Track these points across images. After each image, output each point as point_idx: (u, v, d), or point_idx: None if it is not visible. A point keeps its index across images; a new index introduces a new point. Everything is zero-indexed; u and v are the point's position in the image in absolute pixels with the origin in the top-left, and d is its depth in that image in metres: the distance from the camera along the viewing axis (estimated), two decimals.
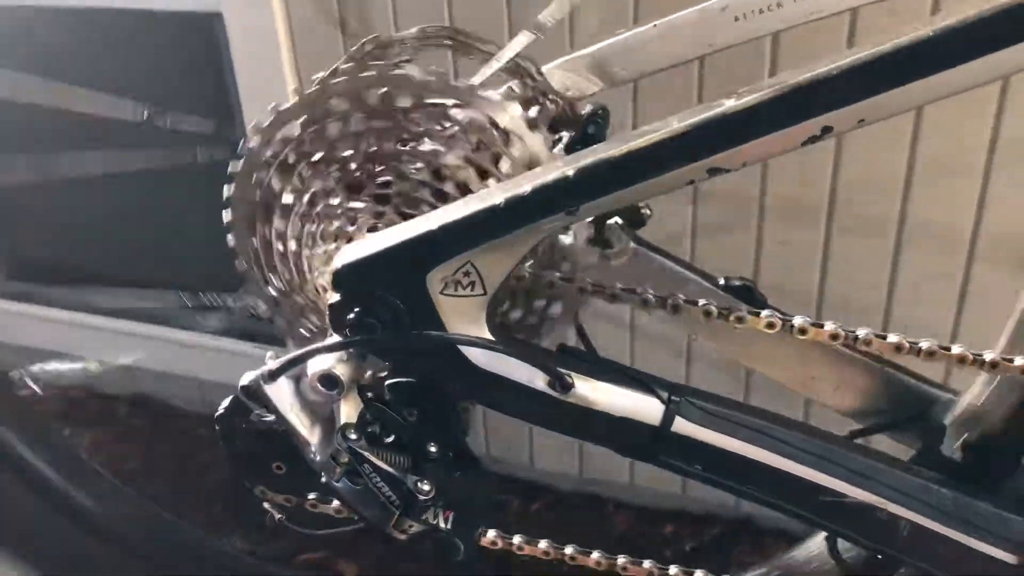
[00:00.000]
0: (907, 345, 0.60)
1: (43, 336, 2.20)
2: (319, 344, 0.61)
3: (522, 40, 0.65)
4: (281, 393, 0.64)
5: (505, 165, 0.65)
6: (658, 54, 0.71)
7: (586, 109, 0.73)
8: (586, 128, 0.72)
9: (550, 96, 0.72)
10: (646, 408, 0.62)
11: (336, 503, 0.71)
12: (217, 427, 0.68)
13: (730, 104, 0.54)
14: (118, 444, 2.01)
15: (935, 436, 0.71)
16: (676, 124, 0.55)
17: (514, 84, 0.71)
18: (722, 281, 0.76)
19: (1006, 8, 0.50)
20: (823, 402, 0.77)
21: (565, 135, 0.71)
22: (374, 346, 0.61)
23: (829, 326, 0.61)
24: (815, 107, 0.53)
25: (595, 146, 0.58)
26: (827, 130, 0.53)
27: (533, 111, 0.72)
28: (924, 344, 0.60)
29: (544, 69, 0.72)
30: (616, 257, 0.76)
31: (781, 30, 0.69)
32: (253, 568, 1.15)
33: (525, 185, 0.57)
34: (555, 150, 0.69)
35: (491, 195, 0.59)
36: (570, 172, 0.56)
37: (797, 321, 0.61)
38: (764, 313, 0.61)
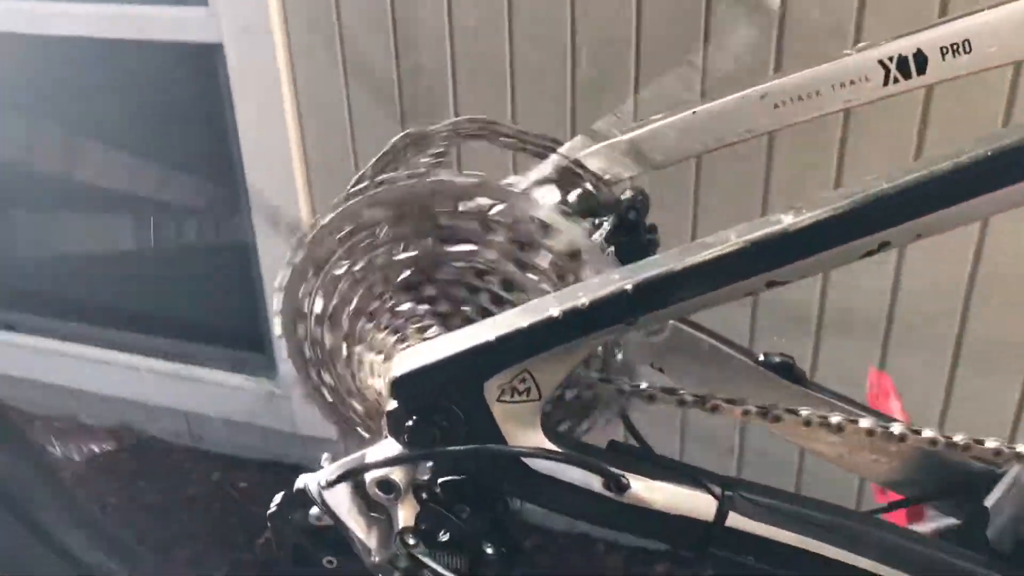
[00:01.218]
0: (973, 444, 0.61)
1: (27, 365, 2.18)
2: (384, 457, 0.62)
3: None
4: (338, 498, 0.64)
5: (545, 258, 0.65)
6: (696, 140, 0.71)
7: (625, 194, 0.73)
8: (626, 213, 0.72)
9: (588, 181, 0.72)
10: (700, 505, 0.63)
11: None
12: (269, 524, 0.68)
13: (789, 220, 0.54)
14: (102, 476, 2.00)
15: (976, 510, 0.72)
16: (734, 238, 0.55)
17: (553, 169, 0.72)
18: (761, 357, 0.76)
19: None
20: (859, 472, 0.78)
21: (605, 221, 0.71)
22: (439, 458, 0.61)
23: (896, 428, 0.62)
24: (875, 224, 0.53)
25: (652, 258, 0.58)
26: (885, 245, 0.54)
27: (572, 195, 0.72)
28: (990, 444, 0.61)
29: (582, 154, 0.73)
30: (655, 335, 0.76)
31: (818, 116, 0.69)
32: None
33: (583, 297, 0.58)
34: (595, 237, 0.69)
35: (547, 306, 0.59)
36: (629, 287, 0.57)
37: (864, 424, 0.62)
38: (834, 419, 0.61)
